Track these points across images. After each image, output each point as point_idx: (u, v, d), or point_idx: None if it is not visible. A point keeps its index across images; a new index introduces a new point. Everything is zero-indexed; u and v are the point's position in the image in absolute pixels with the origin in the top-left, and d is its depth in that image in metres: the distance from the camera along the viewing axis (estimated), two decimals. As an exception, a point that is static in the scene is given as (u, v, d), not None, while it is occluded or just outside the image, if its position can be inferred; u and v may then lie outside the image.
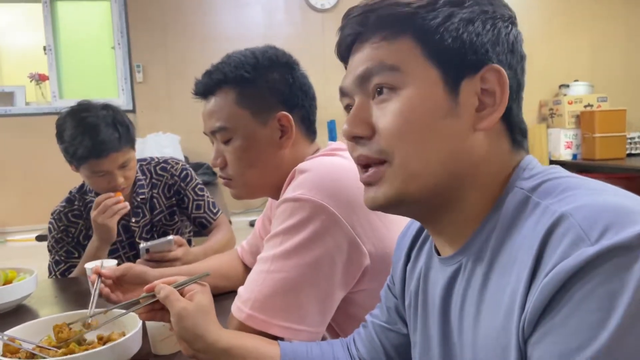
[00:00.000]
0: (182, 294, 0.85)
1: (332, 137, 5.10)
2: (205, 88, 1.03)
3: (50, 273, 1.64)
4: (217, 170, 1.08)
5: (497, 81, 0.56)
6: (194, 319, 0.80)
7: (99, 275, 1.14)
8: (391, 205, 0.59)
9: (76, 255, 1.64)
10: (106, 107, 1.52)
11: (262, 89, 1.00)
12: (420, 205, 0.59)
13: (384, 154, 0.58)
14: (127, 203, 1.50)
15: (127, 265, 1.20)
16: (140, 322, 0.95)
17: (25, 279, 1.32)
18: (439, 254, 0.64)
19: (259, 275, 0.89)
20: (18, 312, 1.30)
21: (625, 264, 0.43)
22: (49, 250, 1.65)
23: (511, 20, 0.60)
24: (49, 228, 1.64)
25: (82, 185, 1.67)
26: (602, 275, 0.43)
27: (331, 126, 5.10)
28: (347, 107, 0.64)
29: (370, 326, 0.83)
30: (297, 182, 0.92)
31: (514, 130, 0.59)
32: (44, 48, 5.10)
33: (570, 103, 5.41)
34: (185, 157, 4.84)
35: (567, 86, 5.69)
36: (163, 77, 5.16)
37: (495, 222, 0.56)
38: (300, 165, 0.95)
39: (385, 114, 0.57)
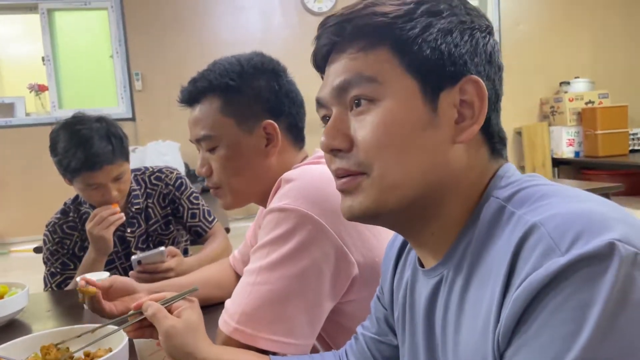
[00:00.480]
0: (170, 311, 0.84)
1: (333, 140, 5.09)
2: (191, 96, 1.03)
3: (45, 285, 1.63)
4: (204, 178, 1.07)
5: (475, 92, 0.55)
6: (183, 337, 0.79)
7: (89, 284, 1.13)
8: (367, 216, 0.58)
9: (72, 267, 1.63)
10: (100, 119, 1.52)
11: (247, 97, 0.99)
12: (398, 217, 0.58)
13: (363, 166, 0.56)
14: (122, 214, 1.50)
15: (112, 277, 1.19)
16: (126, 338, 0.93)
17: (16, 294, 1.31)
18: (422, 266, 0.64)
19: (245, 287, 0.88)
20: (10, 327, 1.29)
21: (596, 274, 0.42)
22: (45, 262, 1.64)
23: (488, 30, 0.59)
24: (44, 240, 1.64)
25: (77, 197, 1.67)
26: (573, 285, 0.43)
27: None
28: (324, 118, 0.63)
29: (361, 338, 0.81)
30: (282, 192, 0.90)
31: (492, 139, 0.59)
32: (43, 58, 5.12)
33: (571, 100, 5.38)
34: (186, 164, 4.84)
35: (568, 83, 5.66)
36: (162, 84, 5.17)
37: (473, 233, 0.55)
38: (286, 174, 0.93)
39: (364, 126, 0.56)
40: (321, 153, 1.03)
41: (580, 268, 0.43)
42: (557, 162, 5.58)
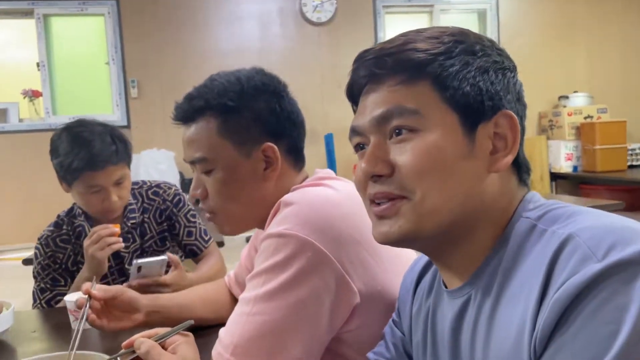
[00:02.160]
0: (164, 347, 0.82)
1: (330, 150, 5.06)
2: (186, 114, 0.97)
3: (35, 301, 1.58)
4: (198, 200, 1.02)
5: (508, 126, 0.60)
6: None
7: (89, 296, 1.07)
8: (405, 241, 0.61)
9: (62, 283, 1.58)
10: (103, 124, 1.52)
11: (246, 119, 0.94)
12: (433, 241, 0.61)
13: (405, 190, 0.59)
14: (121, 240, 1.45)
15: (120, 288, 1.14)
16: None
17: (2, 314, 1.26)
18: (446, 287, 0.66)
19: (240, 317, 0.83)
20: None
21: (632, 278, 0.46)
22: (35, 277, 1.59)
23: (515, 70, 0.64)
24: (35, 254, 1.59)
25: (72, 209, 1.62)
26: (609, 289, 0.46)
27: (328, 139, 5.07)
28: (357, 146, 0.66)
29: None
30: (281, 216, 0.86)
31: (521, 169, 0.63)
32: (37, 64, 5.08)
33: (570, 114, 5.38)
34: (181, 173, 4.79)
35: (567, 97, 5.66)
36: (158, 92, 5.13)
37: (503, 252, 0.58)
38: (285, 197, 0.89)
39: (406, 152, 0.59)
40: (322, 174, 0.99)
41: (616, 273, 0.46)
42: (555, 177, 5.57)
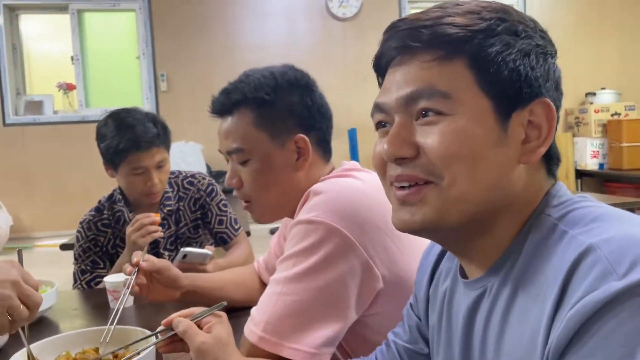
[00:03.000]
0: (199, 326, 0.85)
1: (353, 145, 5.10)
2: (223, 107, 1.03)
3: (75, 281, 1.67)
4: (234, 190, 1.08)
5: (545, 115, 0.56)
6: (214, 352, 0.81)
7: (137, 268, 1.15)
8: (426, 230, 0.58)
9: (102, 265, 1.67)
10: (144, 111, 1.63)
11: (281, 111, 1.00)
12: (454, 233, 0.59)
13: (432, 174, 0.56)
14: (160, 229, 1.53)
15: (166, 264, 1.20)
16: (153, 340, 0.95)
17: (46, 292, 1.34)
18: (463, 277, 0.64)
19: (270, 297, 0.89)
20: (39, 325, 1.32)
21: None
22: (76, 259, 1.68)
23: (556, 56, 0.60)
24: (77, 237, 1.68)
25: (112, 195, 1.71)
26: (629, 310, 0.43)
27: (352, 134, 5.10)
28: (379, 124, 0.62)
29: (392, 345, 0.82)
30: (310, 204, 0.91)
31: (551, 161, 0.60)
32: (72, 58, 5.23)
33: (596, 111, 5.30)
34: (208, 166, 4.89)
35: (594, 94, 5.58)
36: (186, 85, 5.24)
37: (521, 249, 0.56)
38: (314, 187, 0.94)
39: (433, 134, 0.55)
40: (348, 165, 1.04)
41: (637, 294, 0.43)
42: (581, 174, 5.49)
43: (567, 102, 5.73)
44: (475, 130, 0.54)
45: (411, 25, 0.57)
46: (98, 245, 1.67)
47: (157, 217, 1.52)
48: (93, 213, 1.69)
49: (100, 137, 1.58)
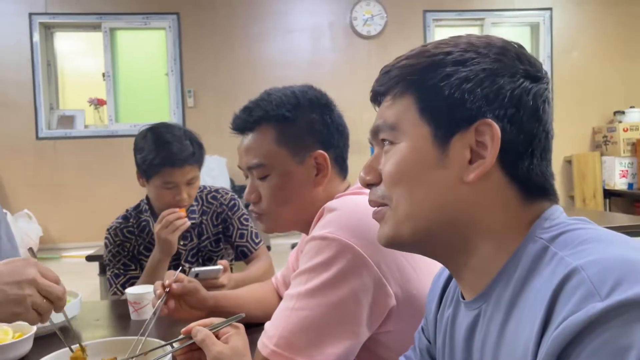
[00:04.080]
0: (217, 336, 0.87)
1: (376, 162, 5.10)
2: (244, 124, 1.05)
3: (110, 286, 1.72)
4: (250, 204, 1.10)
5: (489, 135, 0.58)
6: None
7: (168, 290, 1.18)
8: (391, 244, 0.65)
9: (133, 267, 1.72)
10: (183, 128, 1.68)
11: (301, 129, 1.02)
12: (418, 246, 0.65)
13: (385, 198, 0.64)
14: (187, 219, 1.59)
15: (195, 287, 1.24)
16: (169, 351, 0.98)
17: (70, 302, 1.38)
18: (463, 298, 0.66)
19: (284, 312, 0.90)
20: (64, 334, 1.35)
21: (634, 320, 0.43)
22: (107, 265, 1.73)
23: (524, 74, 0.59)
24: (105, 243, 1.73)
25: (138, 205, 1.77)
26: (611, 330, 0.44)
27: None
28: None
29: None
30: (325, 221, 0.93)
31: (525, 183, 0.59)
32: (103, 74, 5.40)
33: (625, 130, 5.20)
34: (231, 180, 4.96)
35: (622, 112, 5.47)
36: (212, 101, 5.34)
37: (514, 271, 0.57)
38: (329, 204, 0.96)
39: (386, 163, 0.64)
40: (364, 183, 1.06)
41: (619, 314, 0.44)
42: (609, 194, 5.37)
43: (595, 121, 5.65)
44: (413, 155, 0.61)
45: (384, 71, 0.66)
46: (125, 249, 1.73)
47: (182, 212, 1.58)
48: (120, 220, 1.75)
49: (137, 149, 1.64)
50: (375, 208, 0.66)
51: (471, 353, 0.63)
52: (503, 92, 0.58)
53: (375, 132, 0.67)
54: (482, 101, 0.58)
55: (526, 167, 0.59)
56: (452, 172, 0.59)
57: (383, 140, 0.65)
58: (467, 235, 0.60)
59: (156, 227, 1.57)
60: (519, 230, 0.59)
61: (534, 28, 5.84)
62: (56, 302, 0.93)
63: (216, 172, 4.76)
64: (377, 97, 0.70)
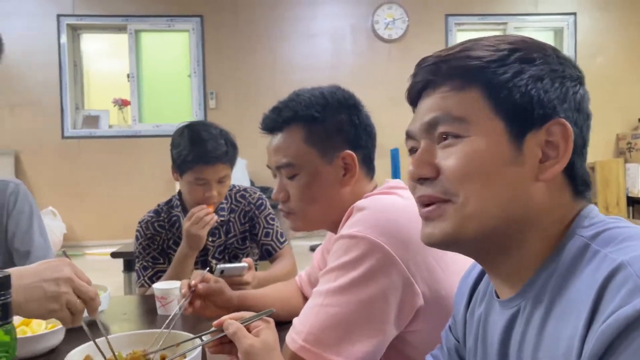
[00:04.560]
0: (248, 330, 0.88)
1: (395, 165, 5.09)
2: (274, 124, 1.07)
3: (138, 277, 1.76)
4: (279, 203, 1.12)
5: (561, 135, 0.59)
6: (261, 356, 0.84)
7: (194, 289, 1.20)
8: (446, 243, 0.62)
9: (161, 261, 1.76)
10: (219, 127, 1.73)
11: (330, 129, 1.04)
12: (476, 245, 0.62)
13: (448, 193, 0.61)
14: (214, 215, 1.63)
15: (220, 287, 1.26)
16: (199, 344, 1.00)
17: (99, 296, 1.42)
18: (497, 297, 0.66)
19: (312, 308, 0.91)
20: (91, 328, 1.38)
21: None
22: (137, 257, 1.78)
23: (579, 80, 0.62)
24: (137, 236, 1.77)
25: (170, 200, 1.82)
26: None
27: (394, 154, 5.10)
28: (412, 150, 0.68)
29: None
30: (354, 220, 0.94)
31: (576, 182, 0.61)
32: (127, 75, 5.49)
33: (651, 137, 5.11)
34: (251, 181, 4.99)
35: (648, 119, 5.38)
36: (234, 103, 5.40)
37: (554, 268, 0.57)
38: (358, 203, 0.97)
39: (450, 156, 0.61)
40: (392, 183, 1.06)
41: None
42: (632, 201, 5.29)
43: (618, 127, 5.56)
44: (489, 150, 0.59)
45: (434, 61, 0.64)
46: (155, 243, 1.77)
47: (210, 208, 1.62)
48: (151, 214, 1.79)
49: (174, 144, 1.69)
50: (430, 207, 0.63)
51: (507, 353, 0.63)
52: (569, 95, 0.61)
53: (430, 125, 0.63)
54: (555, 101, 0.59)
55: (579, 166, 0.61)
56: (526, 169, 0.59)
57: (444, 134, 0.62)
58: (523, 234, 0.60)
59: (185, 224, 1.60)
60: (562, 228, 0.60)
61: (558, 33, 5.78)
62: (89, 302, 0.94)
63: (237, 173, 4.79)
64: (420, 91, 0.67)
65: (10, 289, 0.54)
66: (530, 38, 0.64)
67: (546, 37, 5.81)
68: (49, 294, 0.88)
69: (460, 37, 5.59)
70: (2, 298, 0.54)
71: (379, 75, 5.48)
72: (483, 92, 0.60)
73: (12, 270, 0.94)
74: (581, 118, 0.61)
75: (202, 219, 1.59)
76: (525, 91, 0.59)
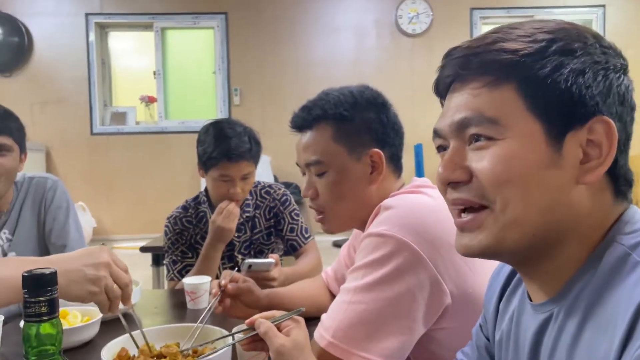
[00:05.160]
0: (279, 329, 0.90)
1: (419, 161, 5.07)
2: (303, 122, 1.09)
3: (168, 271, 1.82)
4: (308, 201, 1.14)
5: (605, 133, 0.54)
6: (292, 355, 0.85)
7: (223, 289, 1.23)
8: (486, 254, 0.59)
9: (190, 255, 1.81)
10: (243, 125, 1.76)
11: (358, 127, 1.05)
12: (516, 256, 0.59)
13: (485, 199, 0.57)
14: (238, 209, 1.69)
15: (249, 287, 1.28)
16: (230, 340, 1.02)
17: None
18: (530, 299, 0.64)
19: (341, 305, 0.93)
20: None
21: None
22: (166, 252, 1.83)
23: (623, 69, 0.58)
24: (165, 231, 1.82)
25: (197, 197, 1.87)
26: None
27: (418, 149, 5.08)
28: (439, 148, 0.65)
29: None
30: (381, 218, 0.95)
31: (618, 182, 0.58)
32: (154, 72, 5.57)
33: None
34: (275, 177, 5.03)
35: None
36: (258, 100, 5.44)
37: (592, 276, 0.54)
38: (385, 202, 0.98)
39: (483, 159, 0.57)
40: (419, 182, 1.07)
41: None
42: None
43: (650, 122, 5.41)
44: (526, 154, 0.55)
45: (464, 53, 0.59)
46: (183, 238, 1.82)
47: (234, 204, 1.68)
48: (180, 210, 1.84)
49: (199, 141, 1.73)
50: (468, 216, 0.59)
51: (538, 356, 0.61)
52: (613, 89, 0.56)
53: (461, 125, 0.59)
54: (598, 97, 0.54)
55: (622, 164, 0.57)
56: (566, 172, 0.55)
57: (475, 135, 0.58)
58: (562, 239, 0.56)
59: (214, 217, 1.65)
60: (602, 232, 0.56)
61: (587, 24, 5.64)
62: (124, 288, 1.00)
63: (260, 169, 4.81)
64: (449, 84, 0.63)
65: (56, 285, 0.57)
66: (569, 23, 0.58)
67: (574, 30, 5.68)
68: (89, 276, 0.94)
69: (485, 30, 5.50)
70: (49, 294, 0.56)
71: (402, 71, 5.45)
72: (518, 90, 0.55)
73: (54, 257, 1.00)
74: (625, 111, 0.57)
75: (231, 212, 1.65)
76: (565, 88, 0.54)
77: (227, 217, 1.64)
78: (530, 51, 0.55)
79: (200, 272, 1.64)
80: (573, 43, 0.55)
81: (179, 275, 1.78)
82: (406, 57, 5.51)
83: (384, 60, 5.52)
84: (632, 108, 0.58)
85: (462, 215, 0.60)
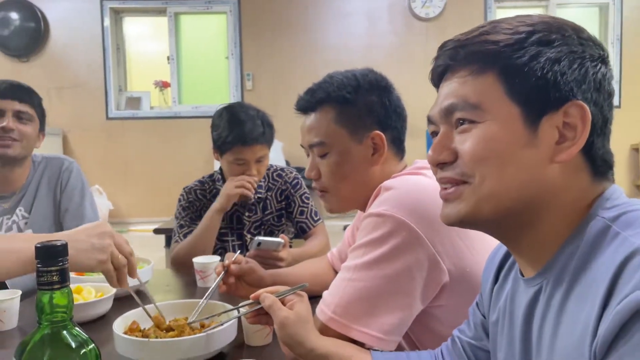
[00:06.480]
0: (283, 303, 0.93)
1: (430, 145, 5.05)
2: (307, 105, 1.12)
3: (174, 235, 1.87)
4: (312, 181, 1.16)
5: (579, 116, 0.59)
6: (295, 328, 0.88)
7: (227, 269, 1.27)
8: (463, 222, 0.65)
9: (197, 223, 1.85)
10: (256, 109, 1.80)
11: (360, 110, 1.08)
12: (493, 224, 0.64)
13: (465, 175, 0.63)
14: (252, 191, 1.75)
15: (252, 267, 1.31)
16: (235, 314, 1.06)
17: (143, 268, 1.51)
18: (522, 276, 0.68)
19: (341, 282, 0.96)
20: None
21: None
22: (176, 217, 1.89)
23: (601, 59, 0.62)
24: (179, 198, 1.89)
25: (212, 175, 1.92)
26: None
27: (429, 135, 5.05)
28: (433, 134, 0.70)
29: (458, 341, 0.86)
30: (381, 199, 0.97)
31: (595, 162, 0.62)
32: (168, 58, 5.61)
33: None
34: (287, 162, 5.06)
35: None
36: (270, 85, 5.45)
37: (575, 248, 0.58)
38: (386, 183, 1.00)
39: (466, 141, 0.63)
40: (420, 164, 1.09)
41: None
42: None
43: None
44: (504, 134, 0.60)
45: (453, 45, 0.65)
46: (194, 207, 1.87)
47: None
48: (196, 183, 1.90)
49: (214, 126, 1.78)
50: (449, 188, 0.65)
51: (530, 328, 0.65)
52: (589, 76, 0.60)
53: (448, 111, 0.65)
54: (573, 83, 0.59)
55: (600, 146, 0.62)
56: (541, 151, 0.60)
57: (460, 119, 0.64)
58: (539, 213, 0.61)
59: (228, 183, 1.73)
60: (582, 208, 0.61)
61: (603, 9, 5.54)
62: (129, 257, 1.07)
63: (272, 154, 4.83)
64: (441, 74, 0.68)
65: (67, 256, 0.60)
66: (552, 18, 0.64)
67: (591, 14, 5.58)
68: (96, 245, 1.01)
69: (500, 15, 5.42)
70: (60, 264, 0.60)
71: (416, 55, 5.41)
72: (499, 77, 0.61)
73: (60, 233, 1.07)
74: (602, 97, 0.61)
75: (240, 180, 1.71)
76: (541, 75, 0.59)
77: (238, 183, 1.69)
78: (510, 42, 0.61)
79: (199, 235, 1.71)
80: (551, 34, 0.60)
81: (183, 239, 1.82)
82: (420, 42, 5.46)
83: (396, 44, 5.48)
84: (610, 94, 0.63)
85: (446, 188, 0.67)
